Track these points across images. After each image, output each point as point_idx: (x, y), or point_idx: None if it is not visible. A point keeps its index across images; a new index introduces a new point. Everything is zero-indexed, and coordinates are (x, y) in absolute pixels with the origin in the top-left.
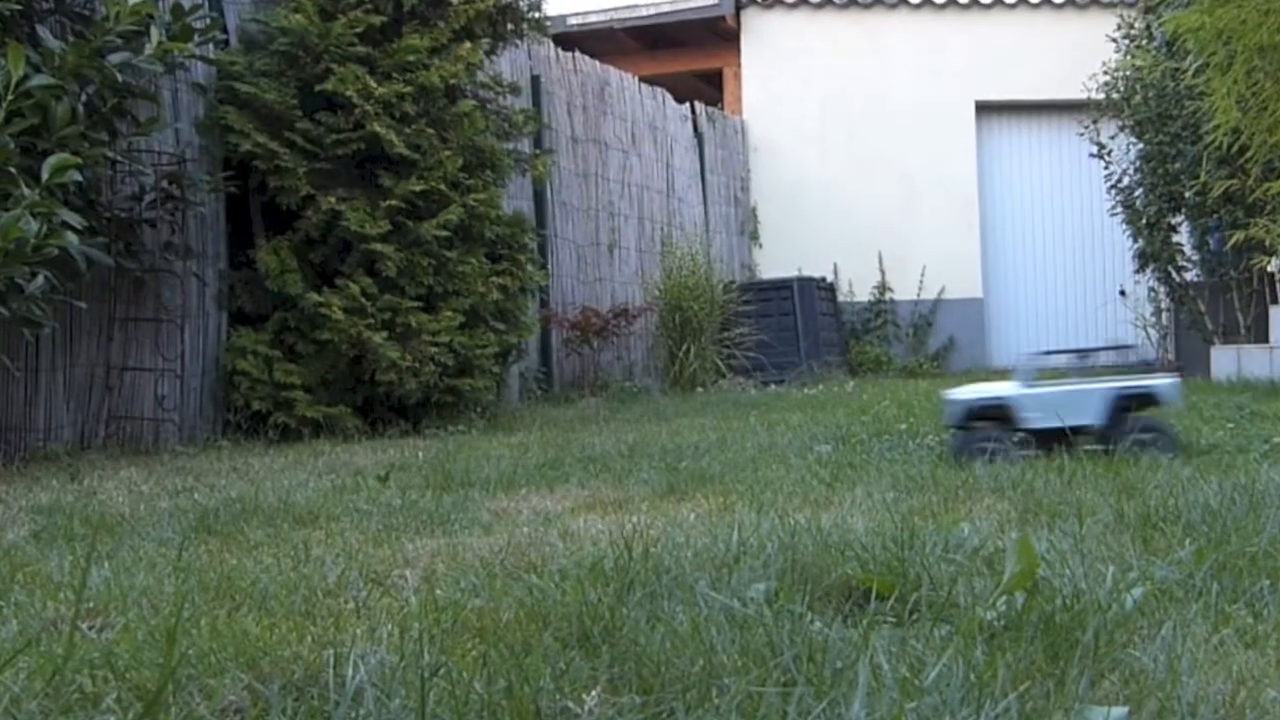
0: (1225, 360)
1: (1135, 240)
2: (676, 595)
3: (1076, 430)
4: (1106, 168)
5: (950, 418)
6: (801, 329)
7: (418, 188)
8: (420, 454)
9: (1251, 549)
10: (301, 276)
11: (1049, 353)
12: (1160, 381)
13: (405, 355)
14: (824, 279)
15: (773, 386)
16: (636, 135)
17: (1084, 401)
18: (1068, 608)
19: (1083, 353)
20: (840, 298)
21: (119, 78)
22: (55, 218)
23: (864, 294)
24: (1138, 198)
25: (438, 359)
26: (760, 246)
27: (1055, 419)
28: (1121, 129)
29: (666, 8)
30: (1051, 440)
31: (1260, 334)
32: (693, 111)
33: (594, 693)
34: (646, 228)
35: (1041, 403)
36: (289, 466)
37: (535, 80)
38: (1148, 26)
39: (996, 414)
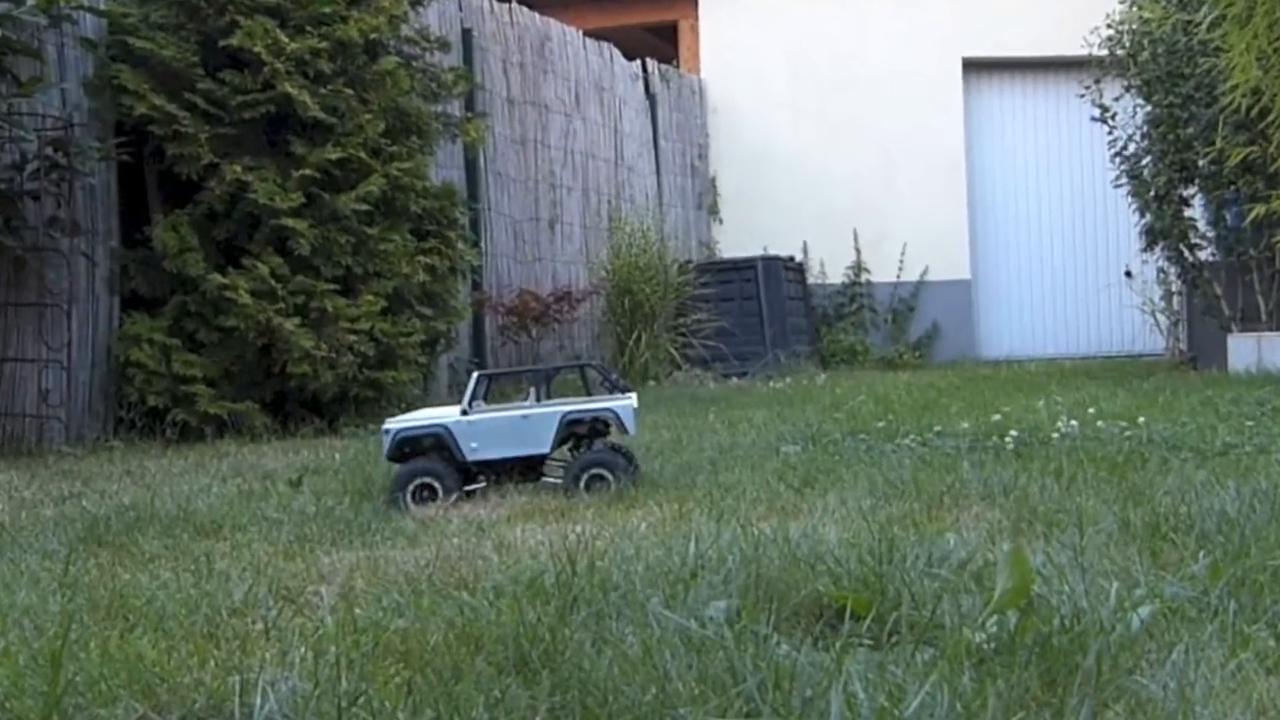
0: (1244, 350)
1: (1142, 215)
2: (626, 614)
3: (529, 460)
4: (1110, 133)
5: (386, 449)
6: (766, 315)
7: (334, 156)
8: (337, 455)
9: (1273, 562)
10: (203, 256)
11: (499, 374)
12: (616, 404)
13: (320, 344)
14: (792, 258)
15: (734, 379)
16: (581, 96)
17: (529, 428)
18: (1066, 629)
19: (537, 372)
20: (810, 280)
21: None
22: None
23: (837, 275)
24: (1145, 167)
25: (357, 348)
26: (720, 222)
27: (499, 449)
28: (1127, 89)
29: None
30: (510, 472)
31: None
32: (644, 70)
33: None
34: (592, 200)
35: (482, 430)
36: (189, 470)
37: (467, 34)
38: None
39: (434, 444)
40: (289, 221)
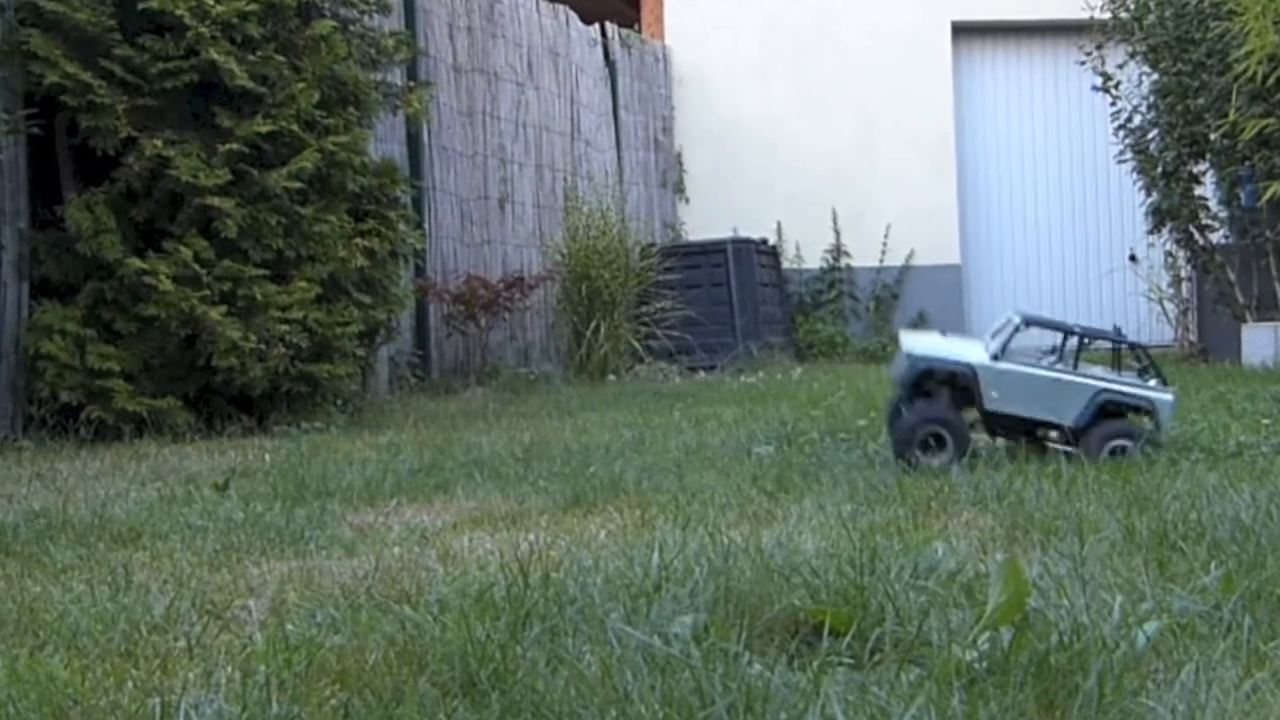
0: (1260, 341)
1: (1149, 193)
2: (583, 631)
3: (1044, 425)
4: (1114, 104)
5: (899, 375)
6: (737, 303)
7: (264, 129)
8: (267, 457)
9: None
10: (121, 238)
11: (1034, 320)
12: (1161, 395)
13: (249, 335)
14: (765, 241)
15: (702, 373)
16: (534, 64)
17: (1060, 394)
18: (1065, 646)
19: (1072, 332)
20: (785, 264)
21: None
22: None
23: (814, 260)
24: (1152, 141)
25: (289, 340)
26: (686, 201)
27: (1022, 406)
28: (1132, 56)
29: None
30: (1010, 431)
31: None
32: (603, 34)
33: None
34: (546, 178)
35: (1011, 382)
36: (105, 472)
37: None
38: None
39: (954, 381)
40: (214, 201)
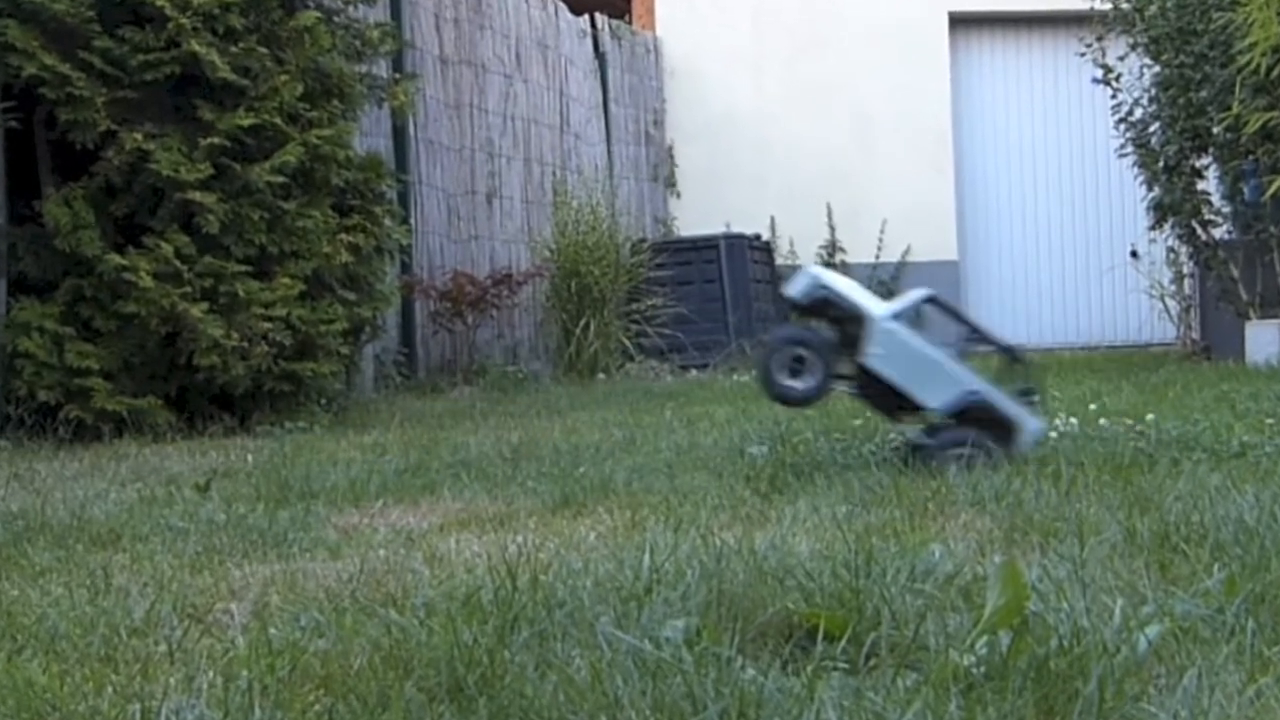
0: (1264, 339)
1: (1150, 188)
2: (572, 635)
3: (908, 402)
4: (1114, 97)
5: (795, 289)
6: (730, 300)
7: (246, 122)
8: (250, 457)
9: None
10: (100, 234)
11: (938, 301)
12: (1029, 419)
13: (231, 333)
14: (758, 237)
15: (694, 372)
16: (522, 56)
17: (940, 379)
18: (1065, 650)
19: (977, 333)
20: (779, 260)
21: None
22: None
23: (809, 256)
24: (1153, 134)
25: (272, 337)
26: (678, 196)
27: (898, 373)
28: (1133, 48)
29: None
30: (874, 397)
31: None
32: (593, 26)
33: None
34: (535, 172)
35: (898, 346)
36: (84, 473)
37: None
38: None
39: (841, 317)
40: (196, 195)
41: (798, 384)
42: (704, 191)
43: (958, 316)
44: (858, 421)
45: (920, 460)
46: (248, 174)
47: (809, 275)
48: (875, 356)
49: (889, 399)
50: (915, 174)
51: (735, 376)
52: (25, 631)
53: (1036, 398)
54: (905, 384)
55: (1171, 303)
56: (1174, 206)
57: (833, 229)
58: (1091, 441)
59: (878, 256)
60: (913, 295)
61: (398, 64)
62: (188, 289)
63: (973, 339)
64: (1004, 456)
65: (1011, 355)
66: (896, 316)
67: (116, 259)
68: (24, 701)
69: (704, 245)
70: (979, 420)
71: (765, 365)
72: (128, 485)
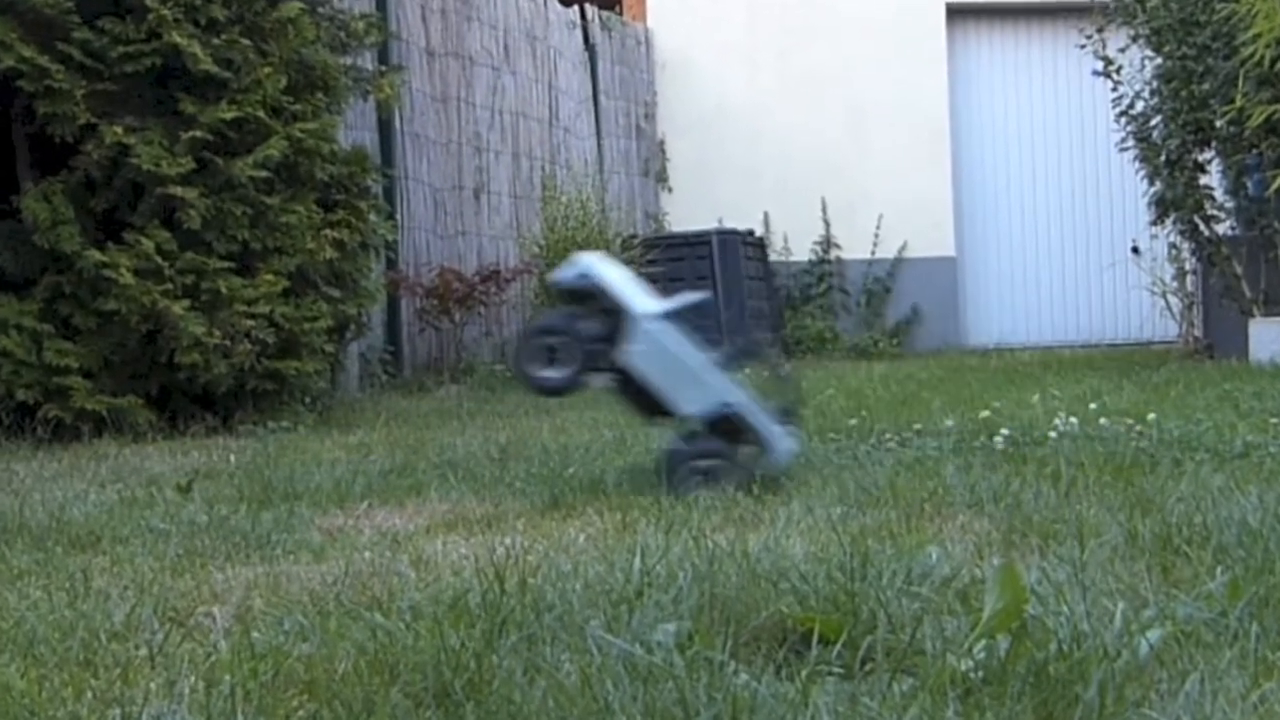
0: (1268, 337)
1: (1152, 183)
2: (561, 639)
3: (663, 405)
4: (1115, 89)
5: (559, 278)
6: (723, 297)
7: (229, 115)
8: (232, 457)
9: None
10: (80, 229)
11: (706, 308)
12: (782, 439)
13: (213, 330)
14: (751, 232)
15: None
16: (510, 47)
17: (696, 386)
18: (1064, 655)
19: (746, 349)
20: (773, 256)
21: None
22: None
23: (803, 252)
24: (1155, 128)
25: (255, 335)
26: (670, 191)
27: (655, 373)
28: (1134, 39)
29: None
30: (633, 397)
31: None
32: (583, 17)
33: None
34: (523, 166)
35: (657, 346)
36: (63, 473)
37: None
38: None
39: (608, 309)
40: (177, 190)
41: (550, 373)
42: (696, 186)
43: (718, 332)
44: (853, 421)
45: (666, 468)
46: (230, 168)
47: (577, 264)
48: (633, 355)
49: (646, 400)
50: (912, 168)
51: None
52: (3, 635)
53: (796, 418)
54: (661, 387)
55: (1173, 300)
56: (1176, 201)
57: (827, 224)
58: (1092, 441)
59: (873, 252)
60: (687, 297)
61: (383, 56)
62: (169, 286)
63: (743, 353)
64: (750, 474)
65: (777, 372)
66: (666, 315)
67: (96, 255)
68: (1, 707)
69: (696, 241)
70: (731, 433)
71: (518, 353)
72: (108, 486)
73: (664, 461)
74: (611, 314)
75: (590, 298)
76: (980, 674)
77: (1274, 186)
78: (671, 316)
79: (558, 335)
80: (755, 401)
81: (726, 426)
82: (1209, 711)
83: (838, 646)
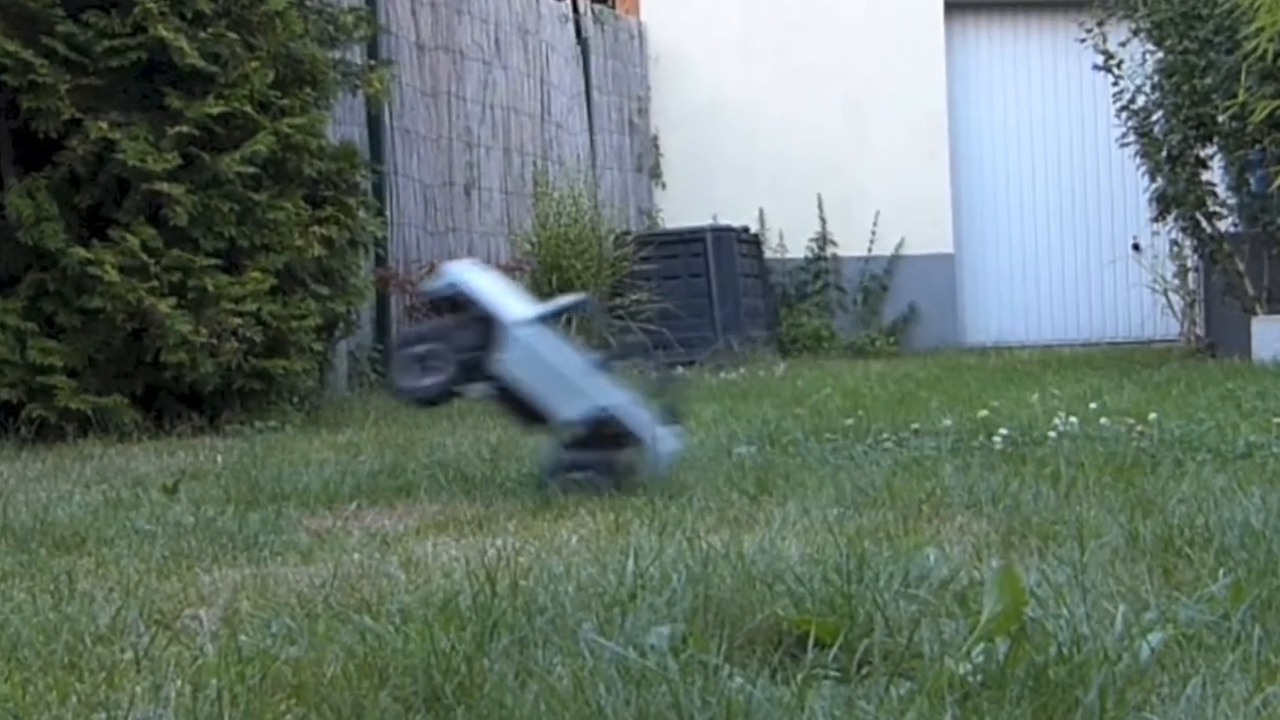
0: (1270, 335)
1: (1153, 179)
2: (553, 642)
3: (539, 413)
4: (1116, 84)
5: (429, 290)
6: (717, 295)
7: (216, 110)
8: (219, 457)
9: None
10: (64, 226)
11: (588, 308)
12: (662, 436)
13: (199, 329)
14: (746, 229)
15: (680, 369)
16: (502, 41)
17: (572, 392)
18: (1064, 658)
19: (623, 349)
20: (768, 253)
21: None
22: None
23: (799, 249)
24: (1156, 123)
25: (242, 333)
26: (663, 187)
27: (529, 381)
28: (1135, 33)
29: None
30: (512, 406)
31: None
32: (575, 10)
33: None
34: (515, 162)
35: (533, 353)
36: (47, 474)
37: None
38: None
39: (472, 315)
40: (163, 186)
41: (421, 382)
42: (690, 182)
43: (603, 332)
44: (849, 421)
45: (545, 476)
46: (217, 164)
47: (447, 273)
48: (506, 363)
49: (524, 409)
50: (910, 164)
51: (722, 374)
52: None
53: (679, 418)
54: (537, 394)
55: (1175, 297)
56: (1178, 198)
57: (823, 221)
58: (1092, 441)
59: (870, 250)
60: (562, 300)
61: (372, 50)
62: (155, 283)
63: (623, 353)
64: (631, 477)
65: (659, 372)
66: (540, 320)
67: (81, 252)
68: None
69: (690, 238)
70: (611, 437)
71: (389, 365)
72: (93, 487)
73: (542, 471)
74: (483, 322)
75: (462, 307)
76: (979, 677)
77: (1277, 183)
78: (545, 320)
79: (429, 344)
80: (636, 403)
81: (605, 430)
82: (1211, 716)
83: (834, 649)
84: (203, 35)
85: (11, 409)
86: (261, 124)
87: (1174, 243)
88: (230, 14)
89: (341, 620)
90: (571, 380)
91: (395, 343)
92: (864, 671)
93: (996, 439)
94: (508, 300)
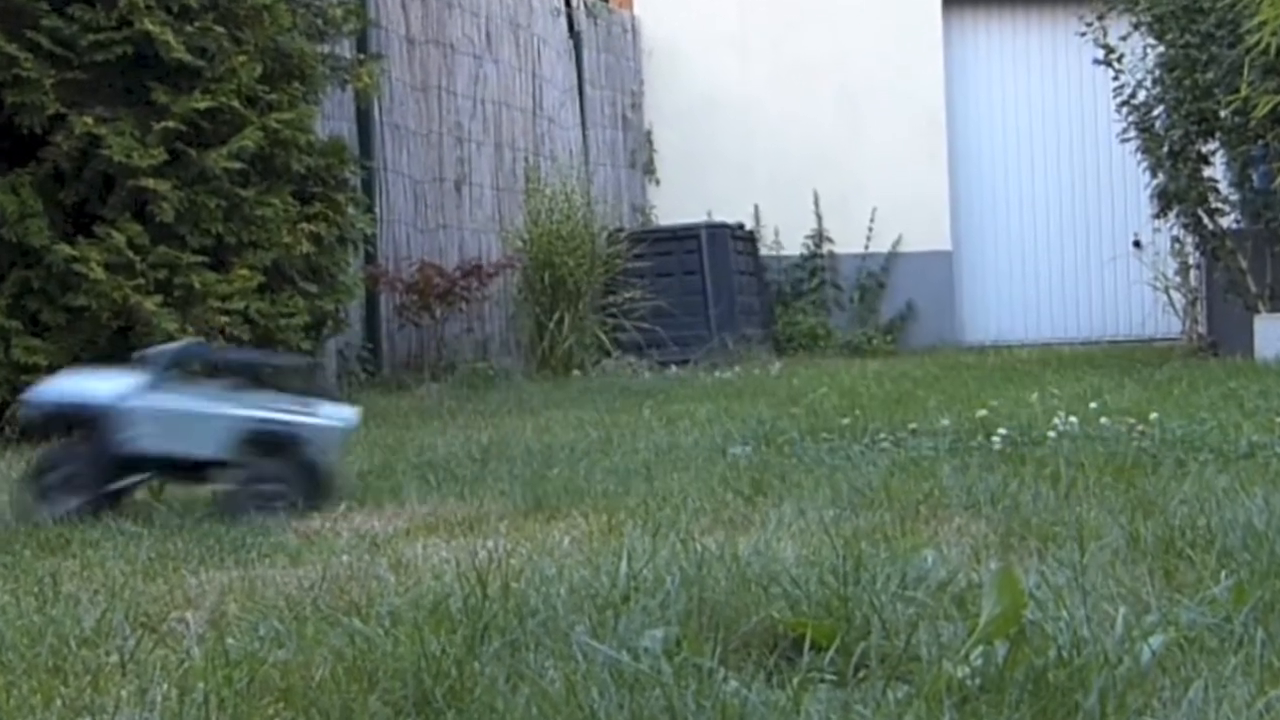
0: (1274, 333)
1: (1154, 174)
2: (545, 645)
3: (200, 465)
4: (1116, 79)
5: (24, 422)
6: (711, 292)
7: (203, 105)
8: None
9: None
10: (49, 223)
11: (216, 352)
12: (318, 421)
13: (186, 327)
14: (741, 226)
15: (673, 368)
16: (493, 35)
17: (203, 426)
18: (1064, 662)
19: (255, 365)
20: (764, 251)
21: None
22: None
23: (795, 246)
24: (1157, 118)
25: (229, 331)
26: (657, 183)
27: (164, 444)
28: (1136, 27)
29: None
30: (169, 473)
31: None
32: (567, 4)
33: None
34: (506, 158)
35: (153, 416)
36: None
37: None
38: None
39: (84, 419)
40: (149, 182)
41: (70, 505)
42: (684, 178)
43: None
44: (845, 421)
45: (227, 511)
46: (204, 160)
47: (44, 392)
48: (137, 440)
49: (180, 470)
50: (907, 160)
51: (717, 373)
52: None
53: (336, 396)
54: (179, 450)
55: (1176, 295)
56: (1179, 194)
57: (819, 217)
58: (1092, 441)
59: (867, 247)
60: (167, 348)
61: (362, 44)
62: (141, 281)
63: (244, 364)
64: (313, 473)
65: (287, 363)
66: (149, 383)
67: (66, 249)
68: None
69: (684, 235)
70: (275, 446)
71: (22, 500)
72: None
73: (224, 506)
74: (97, 420)
75: (72, 415)
76: (977, 681)
77: None
78: (157, 379)
79: (61, 469)
80: (282, 404)
81: (266, 442)
82: (1213, 719)
83: (830, 653)
84: (189, 29)
85: None
86: (249, 119)
87: (1175, 240)
88: (217, 7)
89: (330, 623)
90: (208, 416)
91: (28, 474)
92: (861, 675)
93: (995, 439)
94: (106, 384)
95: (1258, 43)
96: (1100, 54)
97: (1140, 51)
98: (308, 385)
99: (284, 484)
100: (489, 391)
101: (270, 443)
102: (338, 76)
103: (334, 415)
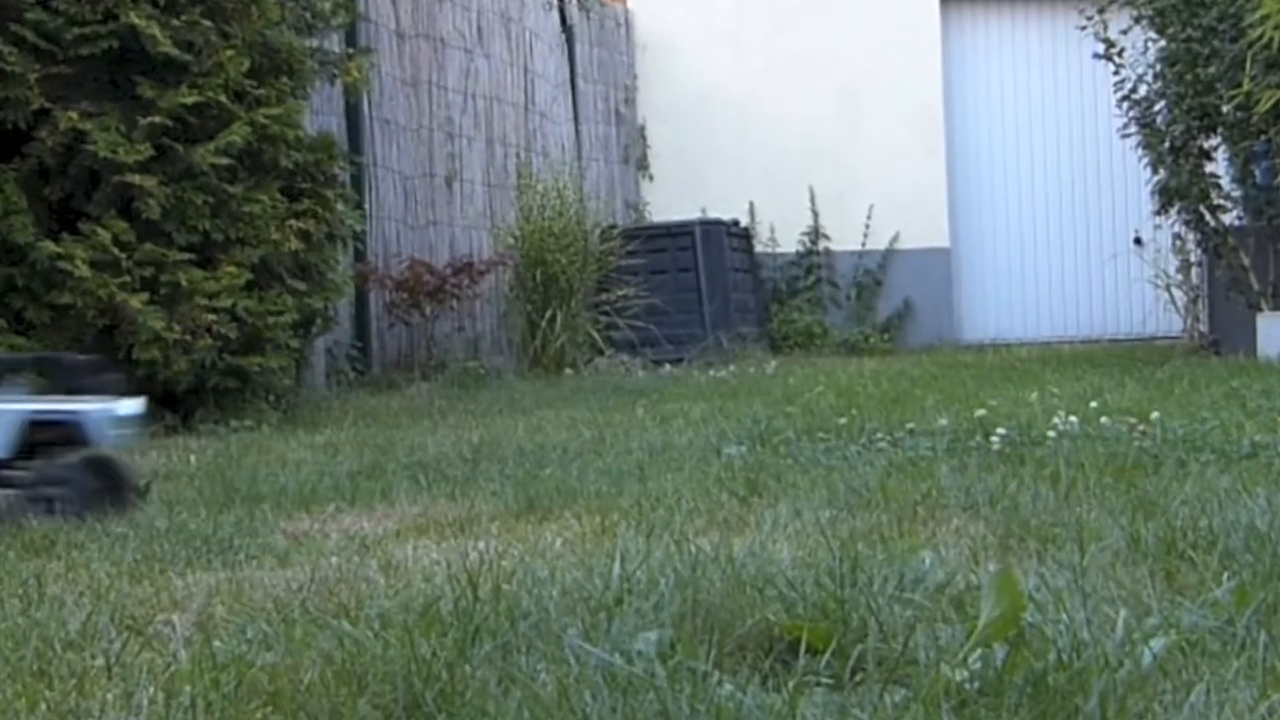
0: (1276, 331)
1: (1155, 170)
2: (538, 648)
3: None
4: (1117, 73)
5: None
6: (706, 290)
7: (189, 100)
8: (193, 457)
9: None
10: (33, 219)
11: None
12: (90, 407)
13: (172, 325)
14: (736, 222)
15: (668, 367)
16: (484, 29)
17: None
18: (1064, 665)
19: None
20: (759, 248)
21: None
22: None
23: (790, 243)
24: (1158, 113)
25: (216, 330)
26: (651, 179)
27: None
28: (1137, 21)
29: None
30: None
31: None
32: None
33: None
34: (497, 153)
35: None
36: None
37: None
38: None
39: None
40: (135, 178)
41: None
42: (678, 174)
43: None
44: (842, 420)
45: (19, 512)
46: (191, 155)
47: None
48: None
49: None
50: (905, 156)
51: (711, 372)
52: None
53: (114, 388)
54: None
55: (1178, 293)
56: (1181, 190)
57: (816, 214)
58: (1092, 441)
59: (864, 244)
60: None
61: (351, 38)
62: (127, 278)
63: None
64: (104, 467)
65: (48, 359)
66: None
67: (50, 246)
68: None
69: (678, 232)
70: (59, 440)
71: None
72: None
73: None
74: None
75: None
76: (976, 684)
77: None
78: None
79: None
80: (51, 401)
81: (46, 438)
82: None
83: (826, 656)
84: (176, 23)
85: None
86: (236, 114)
87: (1177, 237)
88: (204, 1)
89: (319, 625)
90: None
91: None
92: (857, 678)
93: (994, 439)
94: None
95: (1260, 37)
96: (1100, 48)
97: (1141, 46)
98: (88, 382)
99: (70, 484)
100: (480, 391)
101: (61, 439)
102: (327, 71)
103: (113, 406)
